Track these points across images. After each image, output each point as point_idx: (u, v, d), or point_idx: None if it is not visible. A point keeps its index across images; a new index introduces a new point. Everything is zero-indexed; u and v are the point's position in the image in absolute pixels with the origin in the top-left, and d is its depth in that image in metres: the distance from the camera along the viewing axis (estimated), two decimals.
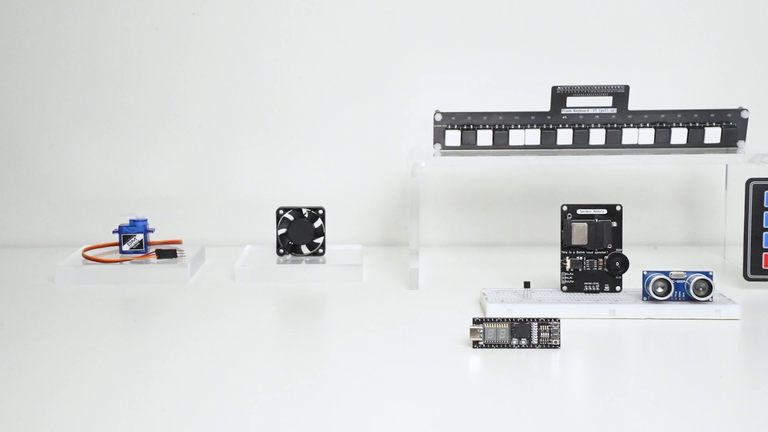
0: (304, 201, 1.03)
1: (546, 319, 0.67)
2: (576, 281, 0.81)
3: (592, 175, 1.10)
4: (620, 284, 0.80)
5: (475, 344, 0.67)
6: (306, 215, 0.96)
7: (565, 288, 0.81)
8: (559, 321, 0.67)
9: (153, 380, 0.64)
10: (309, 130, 1.10)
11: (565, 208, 0.81)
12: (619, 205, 0.81)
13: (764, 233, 0.85)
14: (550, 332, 0.67)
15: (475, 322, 0.67)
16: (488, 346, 0.67)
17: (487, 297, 0.78)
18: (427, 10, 1.08)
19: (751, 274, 0.86)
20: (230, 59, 1.09)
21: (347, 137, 1.10)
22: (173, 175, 1.11)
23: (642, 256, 1.03)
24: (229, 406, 0.59)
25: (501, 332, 0.66)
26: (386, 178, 1.11)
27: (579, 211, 0.81)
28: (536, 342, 0.67)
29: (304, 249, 0.96)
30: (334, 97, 1.09)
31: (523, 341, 0.67)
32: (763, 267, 0.85)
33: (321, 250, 0.96)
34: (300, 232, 0.95)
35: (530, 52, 1.07)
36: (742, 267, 0.86)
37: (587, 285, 0.81)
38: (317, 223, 0.96)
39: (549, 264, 0.88)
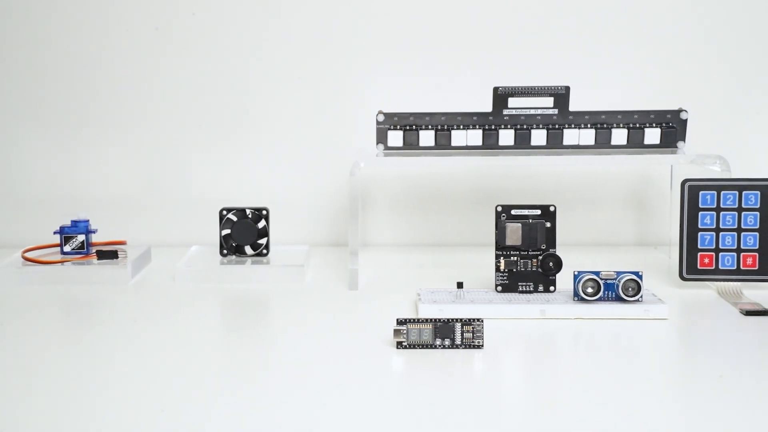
0: (256, 202, 1.03)
1: (469, 320, 0.67)
2: (510, 281, 0.81)
3: (542, 176, 1.11)
4: (554, 284, 0.81)
5: (399, 345, 0.67)
6: (249, 216, 0.96)
7: (499, 288, 0.81)
8: (482, 321, 0.67)
9: (88, 381, 0.64)
10: (262, 131, 1.10)
11: (499, 209, 0.81)
12: (553, 205, 0.81)
13: (699, 233, 0.86)
14: (473, 332, 0.67)
15: (399, 323, 0.67)
16: (412, 346, 0.67)
17: (421, 297, 0.79)
18: (374, 13, 1.08)
19: (687, 274, 0.86)
20: (175, 61, 1.09)
21: (299, 138, 1.10)
22: (122, 176, 1.11)
23: (591, 256, 1.05)
24: (163, 405, 0.59)
25: (424, 333, 0.67)
26: (337, 179, 1.11)
27: (513, 212, 0.81)
28: (459, 342, 0.67)
29: (248, 250, 0.96)
30: (285, 98, 1.10)
31: (447, 341, 0.67)
32: (699, 267, 0.86)
33: (265, 251, 0.96)
34: (243, 233, 0.96)
35: (473, 53, 1.08)
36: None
37: (521, 285, 0.81)
38: (261, 224, 0.96)
39: (491, 264, 0.89)
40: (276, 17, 1.08)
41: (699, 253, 0.86)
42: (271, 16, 1.08)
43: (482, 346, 0.67)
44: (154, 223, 1.10)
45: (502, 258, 0.81)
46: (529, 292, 0.81)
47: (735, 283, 0.85)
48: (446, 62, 1.08)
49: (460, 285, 0.79)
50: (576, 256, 1.04)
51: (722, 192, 0.85)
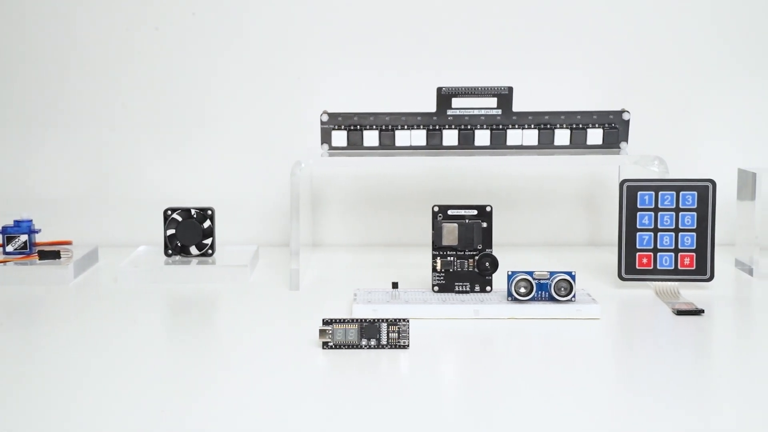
0: (208, 202, 1.02)
1: (395, 320, 0.67)
2: (447, 281, 0.81)
3: (494, 176, 1.11)
4: (490, 284, 0.81)
5: (325, 345, 0.67)
6: (194, 216, 0.96)
7: (436, 288, 0.81)
8: (407, 321, 0.67)
9: (20, 384, 0.64)
10: (213, 131, 1.10)
11: (436, 209, 0.82)
12: (489, 206, 0.81)
13: (638, 234, 0.87)
14: (399, 333, 0.67)
15: (325, 323, 0.67)
16: (337, 346, 0.67)
17: (356, 298, 0.79)
18: (322, 13, 1.08)
19: (626, 274, 0.87)
20: (122, 61, 1.09)
21: (250, 138, 1.10)
22: (71, 176, 1.10)
23: (541, 256, 1.05)
24: (99, 405, 0.59)
25: (350, 333, 0.67)
26: (288, 179, 1.11)
27: (450, 212, 0.81)
28: (385, 342, 0.67)
29: (194, 250, 0.96)
30: (235, 98, 1.09)
31: (372, 342, 0.67)
32: (637, 267, 0.87)
33: (210, 251, 0.96)
34: (188, 233, 0.95)
35: (418, 53, 1.08)
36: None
37: (458, 285, 0.81)
38: (206, 224, 0.96)
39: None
40: (224, 17, 1.08)
41: (637, 253, 0.86)
42: (218, 16, 1.08)
43: (408, 346, 0.67)
44: (104, 224, 1.09)
45: (438, 258, 0.81)
46: (466, 292, 0.81)
47: (673, 283, 0.86)
48: (392, 62, 1.08)
49: (395, 285, 0.79)
50: (527, 255, 1.05)
51: (660, 192, 0.86)
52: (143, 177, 1.10)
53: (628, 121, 0.93)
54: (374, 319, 0.67)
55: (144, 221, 1.09)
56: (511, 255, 1.04)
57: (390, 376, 0.65)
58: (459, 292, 0.81)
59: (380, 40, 1.08)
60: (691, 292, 0.85)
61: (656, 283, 0.86)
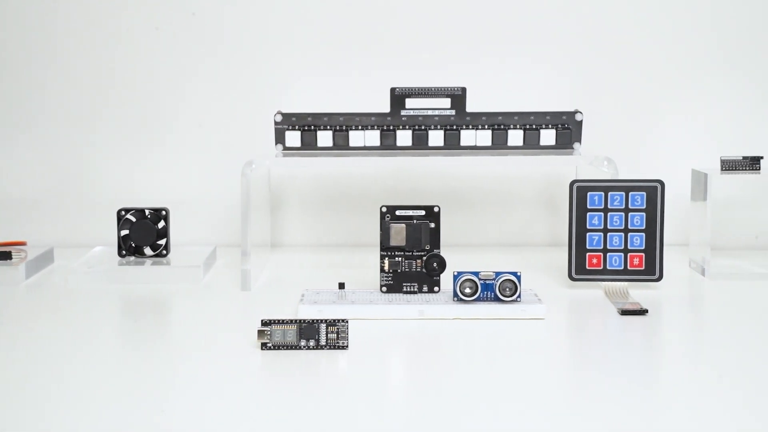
0: (166, 202, 1.01)
1: (334, 321, 0.67)
2: (395, 282, 0.81)
3: (454, 176, 1.11)
4: (438, 285, 0.81)
5: (264, 346, 0.67)
6: (148, 216, 0.96)
7: (384, 289, 0.81)
8: (347, 322, 0.67)
9: None
10: (172, 132, 1.10)
11: (384, 210, 0.82)
12: (437, 206, 0.81)
13: (588, 234, 0.87)
14: (338, 333, 0.67)
15: (263, 324, 0.67)
16: (276, 347, 0.67)
17: (303, 298, 0.79)
18: (277, 13, 1.08)
19: (576, 274, 0.87)
20: (76, 61, 1.08)
21: (209, 139, 1.10)
22: (27, 176, 1.10)
23: (499, 257, 1.05)
24: (46, 405, 0.59)
25: (288, 333, 0.67)
26: (255, 180, 1.11)
27: (398, 212, 0.82)
28: (324, 343, 0.68)
29: (148, 250, 0.96)
30: (194, 98, 1.09)
31: (311, 342, 0.67)
32: (587, 267, 0.87)
33: (165, 252, 0.96)
34: (142, 234, 0.95)
35: (372, 53, 1.08)
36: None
37: (406, 285, 0.81)
38: (161, 225, 0.96)
39: None
40: (179, 16, 1.07)
41: (587, 254, 0.87)
42: (174, 14, 1.07)
43: (347, 346, 0.67)
44: (61, 224, 1.09)
45: (386, 259, 0.81)
46: (414, 292, 0.81)
47: (622, 283, 0.86)
48: (347, 63, 1.08)
49: (341, 285, 0.79)
50: (484, 256, 1.06)
51: (609, 193, 0.86)
52: (102, 178, 1.10)
53: (581, 121, 0.93)
54: (313, 320, 0.67)
55: (101, 222, 1.08)
56: (469, 255, 1.05)
57: (326, 376, 0.65)
58: (407, 292, 0.81)
59: (335, 41, 1.08)
60: (640, 292, 0.85)
61: (606, 283, 0.86)
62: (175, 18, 1.08)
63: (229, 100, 1.09)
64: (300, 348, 0.67)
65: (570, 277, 0.87)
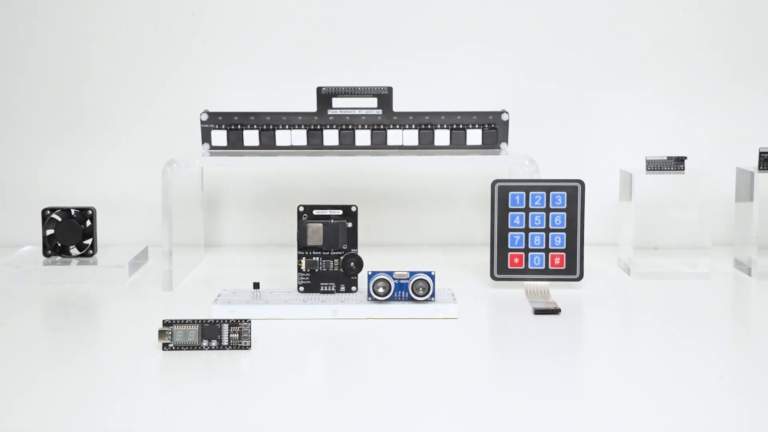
0: (97, 201, 1.01)
1: (236, 321, 0.67)
2: (312, 282, 0.81)
3: (396, 176, 1.11)
4: (356, 284, 0.81)
5: (165, 346, 0.67)
6: (74, 216, 0.95)
7: (302, 288, 0.81)
8: (249, 322, 0.67)
9: None
10: (104, 130, 1.09)
11: (301, 209, 0.81)
12: (355, 205, 0.81)
13: (509, 234, 0.87)
14: (240, 333, 0.67)
15: (165, 324, 0.67)
16: (178, 348, 0.67)
17: (218, 298, 0.79)
18: (205, 12, 1.08)
19: (498, 273, 0.87)
20: (11, 56, 1.07)
21: (142, 138, 1.09)
22: None
23: (432, 257, 1.05)
24: None
25: (190, 334, 0.66)
26: (182, 179, 1.10)
27: (315, 212, 0.81)
28: (226, 343, 0.67)
29: (75, 250, 0.96)
30: (126, 97, 1.08)
31: (213, 343, 0.67)
32: (509, 267, 0.87)
33: (91, 251, 0.95)
34: (68, 233, 0.94)
35: (298, 53, 1.08)
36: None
37: (323, 285, 0.81)
38: (88, 224, 0.95)
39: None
40: (110, 15, 1.07)
41: (509, 253, 0.87)
42: (103, 12, 1.07)
43: (249, 347, 0.67)
44: None
45: (303, 258, 0.81)
46: (331, 292, 0.81)
47: (543, 282, 0.86)
48: (274, 62, 1.08)
49: (256, 285, 0.79)
50: (419, 256, 1.06)
51: (531, 193, 0.86)
52: (39, 176, 1.09)
53: (508, 121, 0.94)
54: (215, 320, 0.67)
55: (31, 221, 1.07)
56: (403, 255, 1.05)
57: (226, 377, 0.64)
58: (324, 292, 0.81)
59: (263, 40, 1.08)
60: (561, 292, 0.86)
61: (527, 282, 0.86)
62: (102, 18, 1.07)
63: (159, 99, 1.08)
64: (202, 348, 0.67)
65: (492, 276, 0.87)
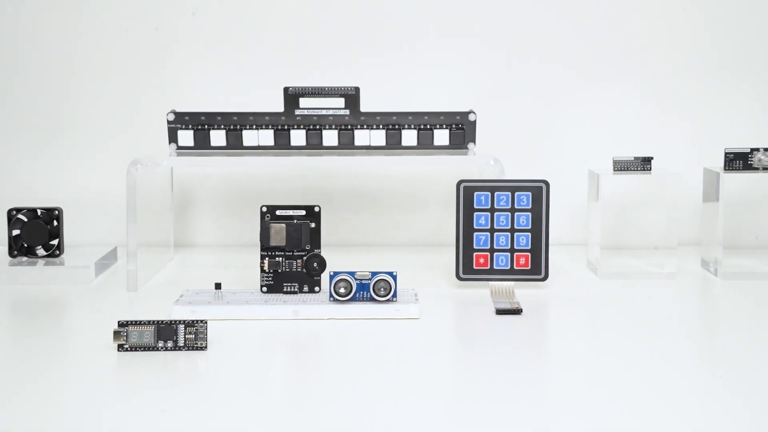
0: (69, 201, 1.01)
1: (192, 321, 0.67)
2: (275, 282, 0.81)
3: (366, 176, 1.11)
4: (319, 285, 0.81)
5: (120, 347, 0.67)
6: (40, 216, 0.94)
7: (264, 289, 0.81)
8: (206, 323, 0.67)
9: None
10: (81, 130, 1.09)
11: (264, 209, 0.81)
12: (318, 206, 0.81)
13: (475, 234, 0.87)
14: (196, 334, 0.67)
15: (120, 325, 0.66)
16: (133, 349, 0.67)
17: (180, 299, 0.78)
18: (172, 13, 1.07)
19: (463, 274, 0.87)
20: None
21: (113, 137, 1.09)
22: None
23: (407, 257, 1.05)
24: None
25: (146, 335, 0.66)
26: (153, 179, 1.09)
27: (278, 212, 0.81)
28: (182, 344, 0.67)
29: (41, 251, 0.95)
30: (95, 96, 1.08)
31: (169, 343, 0.67)
32: (475, 267, 0.87)
33: (57, 252, 0.95)
34: (34, 234, 0.94)
35: (266, 53, 1.08)
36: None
37: (286, 286, 0.81)
38: (55, 224, 0.95)
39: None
40: (76, 17, 1.07)
41: (474, 253, 0.87)
42: (69, 14, 1.07)
43: (206, 347, 0.67)
44: None
45: (266, 259, 0.81)
46: (294, 292, 0.81)
47: (508, 282, 0.86)
48: (241, 62, 1.07)
49: (218, 286, 0.79)
50: (391, 256, 1.05)
51: (496, 193, 0.86)
52: (12, 174, 1.09)
53: (475, 121, 0.94)
54: (171, 321, 0.66)
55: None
56: (373, 256, 1.05)
57: (179, 377, 0.64)
58: (287, 292, 0.81)
59: (231, 40, 1.08)
60: (526, 292, 0.85)
61: (492, 282, 0.86)
62: (67, 20, 1.07)
63: (129, 98, 1.08)
64: (157, 349, 0.67)
65: (458, 277, 0.87)
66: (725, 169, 0.91)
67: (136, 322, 0.66)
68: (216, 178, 1.11)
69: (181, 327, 0.66)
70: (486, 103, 1.04)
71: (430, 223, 1.09)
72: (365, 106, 0.94)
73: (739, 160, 0.90)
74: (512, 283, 0.86)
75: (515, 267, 0.86)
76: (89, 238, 1.04)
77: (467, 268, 0.87)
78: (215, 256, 1.05)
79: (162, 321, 0.66)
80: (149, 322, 0.66)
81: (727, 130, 1.07)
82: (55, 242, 0.94)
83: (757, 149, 0.90)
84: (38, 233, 0.94)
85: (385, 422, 0.57)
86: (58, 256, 0.95)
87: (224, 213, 1.10)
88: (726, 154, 0.91)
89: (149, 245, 1.06)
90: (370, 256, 1.02)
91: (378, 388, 0.62)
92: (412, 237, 1.10)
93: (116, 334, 0.66)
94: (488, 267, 0.87)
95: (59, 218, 0.95)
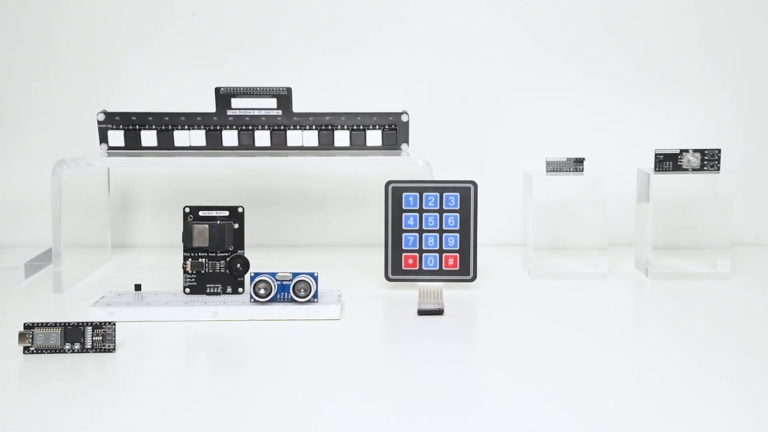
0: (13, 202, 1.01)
1: (100, 323, 0.66)
2: (199, 283, 0.80)
3: (312, 176, 1.10)
4: (243, 286, 0.81)
5: (26, 350, 0.66)
6: None
7: (188, 290, 0.80)
8: (114, 324, 0.66)
9: None
10: (18, 130, 1.08)
11: (187, 210, 0.80)
12: (241, 206, 0.80)
13: (404, 235, 0.87)
14: (104, 336, 0.66)
15: (26, 327, 0.66)
16: (39, 351, 0.66)
17: (99, 300, 0.78)
18: (106, 11, 1.06)
19: (392, 274, 0.87)
20: None
21: (51, 138, 1.08)
22: None
23: (342, 257, 1.05)
24: None
25: (52, 337, 0.65)
26: (93, 179, 1.08)
27: (201, 213, 0.81)
28: (90, 346, 0.66)
29: None
30: (31, 95, 1.07)
31: (77, 346, 0.66)
32: (403, 268, 0.87)
33: None
34: None
35: (198, 52, 1.07)
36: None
37: (210, 287, 0.80)
38: None
39: None
40: (11, 14, 1.06)
41: (403, 254, 0.86)
42: (3, 12, 1.06)
43: (114, 349, 0.66)
44: None
45: (189, 260, 0.80)
46: (217, 293, 0.80)
47: (437, 283, 0.86)
48: (174, 63, 1.07)
49: (137, 287, 0.78)
50: (322, 257, 1.05)
51: (424, 193, 0.86)
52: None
53: (408, 122, 0.93)
54: (78, 323, 0.66)
55: None
56: (309, 256, 1.04)
57: (84, 381, 0.63)
58: (210, 293, 0.80)
59: (163, 39, 1.07)
60: (454, 292, 0.85)
61: (420, 283, 0.86)
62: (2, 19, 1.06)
63: (63, 98, 1.07)
64: (64, 351, 0.66)
65: (386, 277, 0.86)
66: (656, 170, 0.91)
67: (42, 324, 0.65)
68: (154, 178, 1.10)
69: (89, 329, 0.66)
70: (423, 104, 1.04)
71: (364, 223, 1.08)
72: (299, 107, 0.94)
73: (669, 161, 0.90)
74: (441, 284, 0.86)
75: (444, 268, 0.86)
76: (26, 240, 1.04)
77: (396, 269, 0.87)
78: (153, 257, 1.05)
79: (69, 323, 0.65)
80: (56, 324, 0.65)
81: (662, 131, 1.07)
82: None
83: (686, 150, 0.90)
84: None
85: (303, 421, 0.56)
86: None
87: (163, 213, 1.09)
88: (656, 155, 0.91)
89: (84, 246, 1.05)
90: (302, 257, 1.02)
91: (293, 388, 0.62)
92: (345, 238, 1.10)
93: (21, 336, 0.65)
94: (417, 268, 0.86)
95: None
